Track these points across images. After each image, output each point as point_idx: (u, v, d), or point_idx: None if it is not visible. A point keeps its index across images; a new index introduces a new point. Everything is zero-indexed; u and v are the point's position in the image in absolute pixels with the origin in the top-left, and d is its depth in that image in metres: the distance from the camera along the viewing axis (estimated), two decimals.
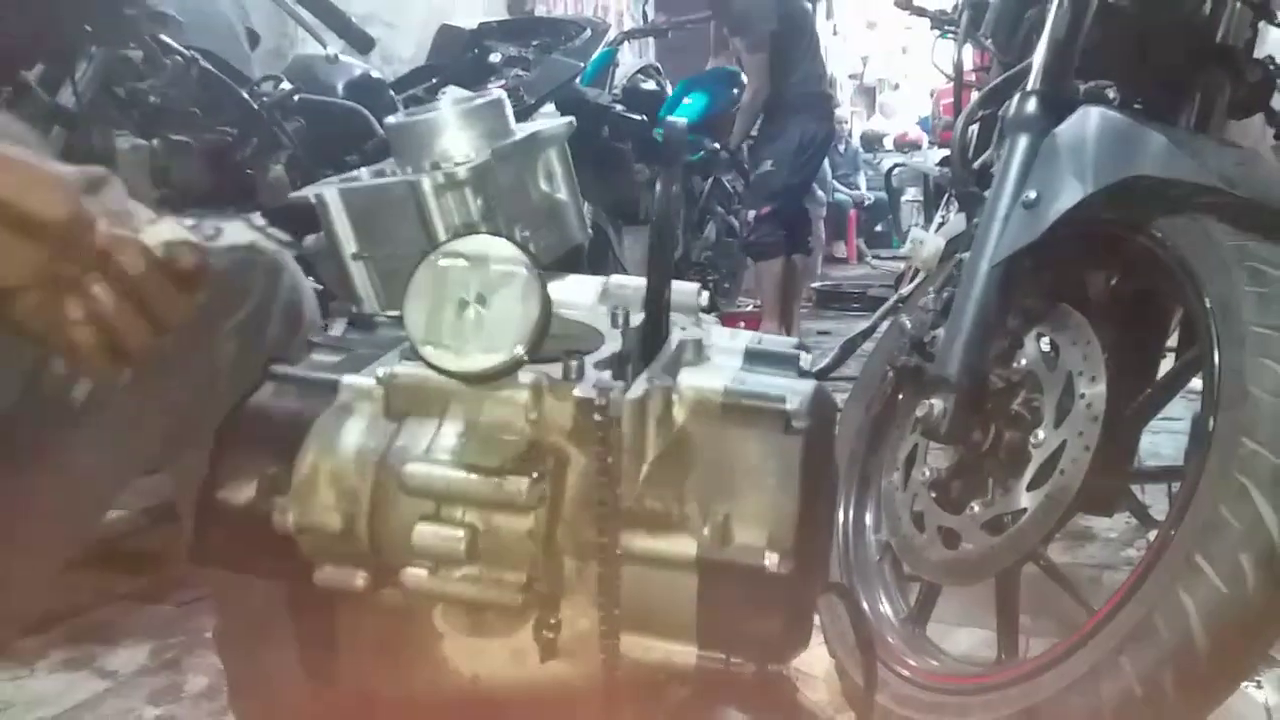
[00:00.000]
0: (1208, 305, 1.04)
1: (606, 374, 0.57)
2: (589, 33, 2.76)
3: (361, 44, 1.82)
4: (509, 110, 0.67)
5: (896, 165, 6.68)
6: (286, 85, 1.79)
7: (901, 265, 3.78)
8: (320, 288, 0.84)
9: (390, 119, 0.65)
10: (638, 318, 0.64)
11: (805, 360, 0.66)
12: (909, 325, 1.29)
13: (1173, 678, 0.92)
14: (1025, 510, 1.13)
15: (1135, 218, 1.15)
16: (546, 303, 0.53)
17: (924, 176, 4.31)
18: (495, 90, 0.67)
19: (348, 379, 0.61)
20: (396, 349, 0.63)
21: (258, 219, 0.63)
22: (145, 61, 1.47)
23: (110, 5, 1.38)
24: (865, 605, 1.29)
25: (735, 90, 4.12)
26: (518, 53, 2.62)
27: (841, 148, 8.79)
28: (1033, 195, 1.15)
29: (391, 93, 2.21)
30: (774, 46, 3.74)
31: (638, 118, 3.43)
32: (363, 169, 0.69)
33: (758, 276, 4.08)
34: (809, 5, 4.23)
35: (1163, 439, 1.97)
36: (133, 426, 0.79)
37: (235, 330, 0.80)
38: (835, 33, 10.74)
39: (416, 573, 0.57)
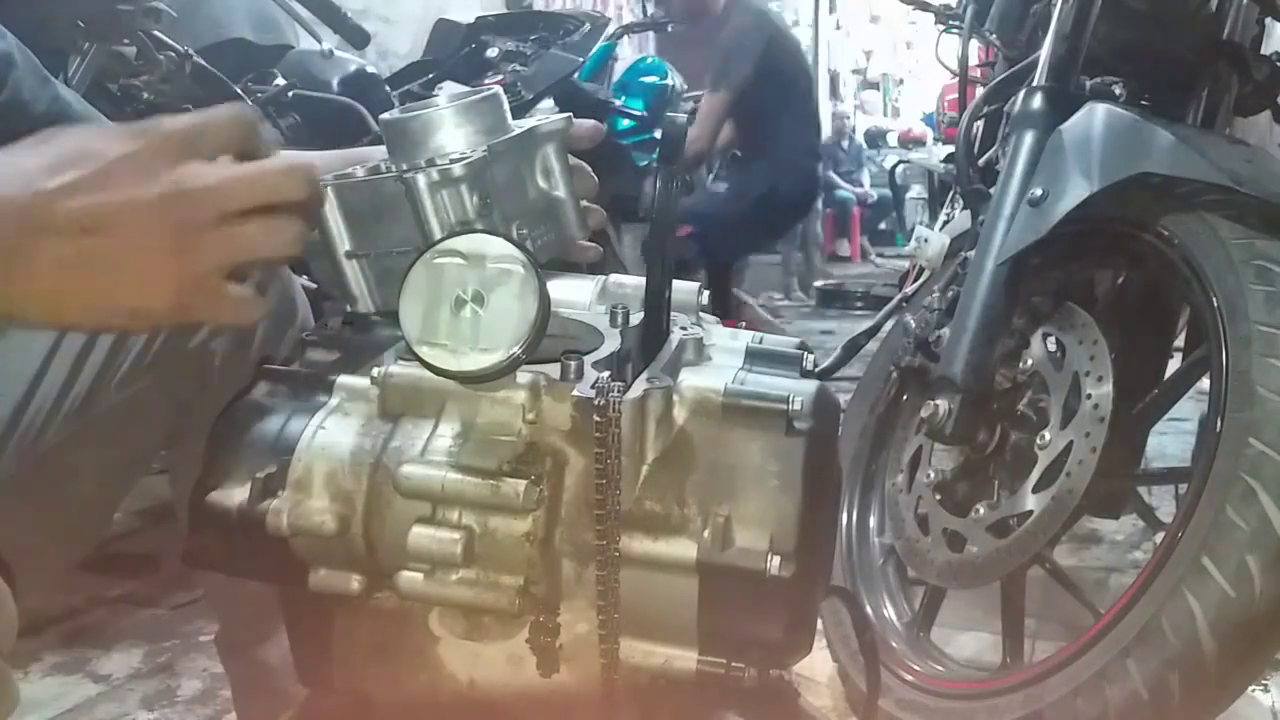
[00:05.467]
0: (1215, 304, 1.03)
1: (605, 374, 0.55)
2: (588, 27, 2.75)
3: (357, 39, 1.81)
4: (506, 106, 0.65)
5: (901, 162, 6.68)
6: (281, 81, 1.78)
7: (906, 263, 3.76)
8: (314, 286, 0.83)
9: (385, 115, 0.64)
10: (637, 317, 0.63)
11: (808, 360, 0.65)
12: (913, 324, 1.28)
13: (1179, 681, 0.91)
14: (1031, 512, 1.12)
15: (1142, 215, 1.14)
16: (544, 302, 0.52)
17: (929, 173, 4.30)
18: (492, 85, 0.66)
19: (342, 379, 0.60)
20: (392, 348, 0.62)
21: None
22: (139, 57, 1.46)
23: (103, 1, 1.37)
24: (869, 609, 1.28)
25: (666, 82, 4.05)
26: (515, 47, 2.61)
27: (845, 144, 8.80)
28: (1039, 192, 1.14)
29: (387, 88, 2.19)
30: (746, 99, 3.42)
31: (638, 113, 3.41)
32: (357, 165, 0.67)
33: None
34: (807, 64, 3.88)
35: (1170, 440, 1.96)
36: (133, 422, 0.78)
37: (226, 324, 0.80)
38: (838, 27, 10.73)
39: (412, 576, 0.56)
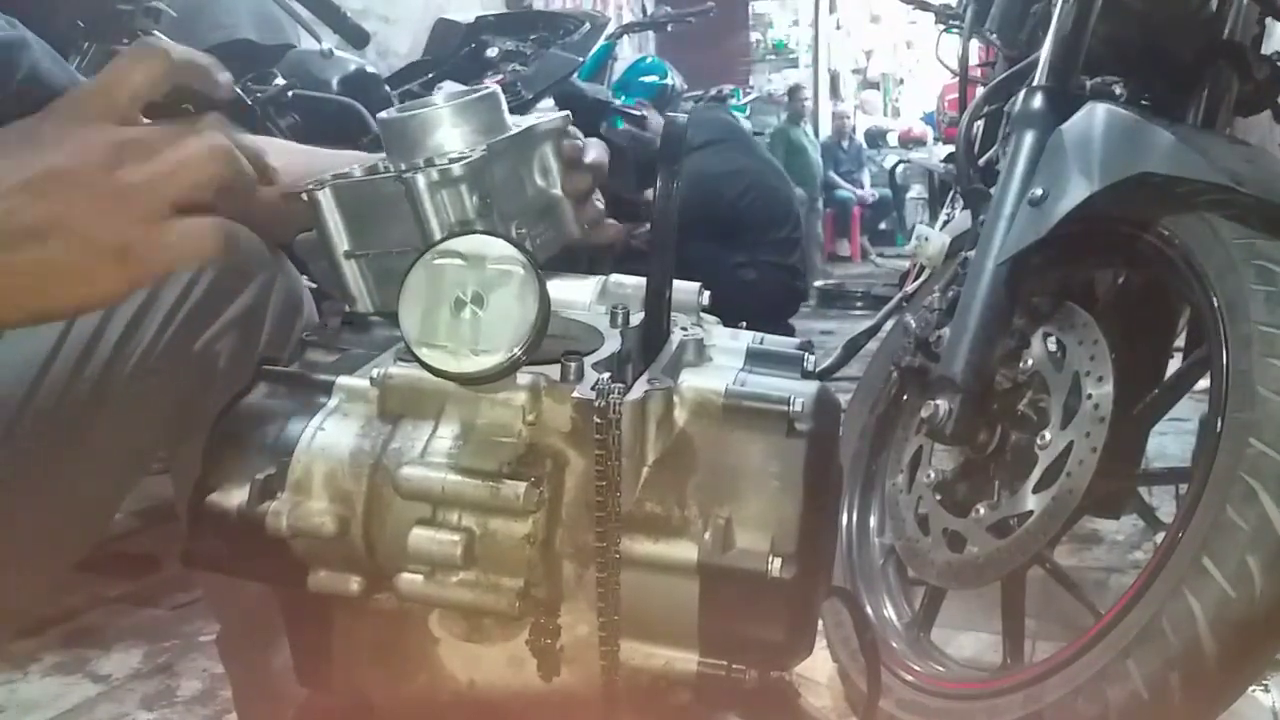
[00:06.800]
0: (1215, 304, 1.03)
1: (606, 375, 0.55)
2: (588, 26, 2.75)
3: (356, 38, 1.81)
4: (504, 105, 0.65)
5: (901, 162, 6.68)
6: (280, 80, 1.78)
7: (906, 263, 3.76)
8: (314, 286, 0.83)
9: (383, 114, 0.64)
10: (638, 317, 0.63)
11: (809, 361, 0.65)
12: (914, 324, 1.28)
13: (1180, 681, 0.91)
14: (1031, 512, 1.12)
15: (1142, 215, 1.14)
16: (545, 302, 0.52)
17: (929, 173, 4.30)
18: (490, 84, 0.65)
19: (342, 380, 0.60)
20: (392, 349, 0.62)
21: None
22: None
23: (103, 1, 1.37)
24: (869, 610, 1.28)
25: (666, 82, 4.02)
26: (515, 47, 2.61)
27: (845, 144, 8.81)
28: (1039, 192, 1.14)
29: (387, 88, 2.19)
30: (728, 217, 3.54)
31: (637, 113, 3.41)
32: (355, 165, 0.67)
33: None
34: (788, 196, 3.99)
35: (1170, 440, 1.96)
36: (136, 422, 0.78)
37: (232, 323, 0.80)
38: (838, 27, 10.73)
39: (412, 578, 0.55)
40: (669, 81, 4.21)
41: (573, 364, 0.56)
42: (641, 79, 4.13)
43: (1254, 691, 1.23)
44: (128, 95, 0.52)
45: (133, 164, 0.50)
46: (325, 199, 0.62)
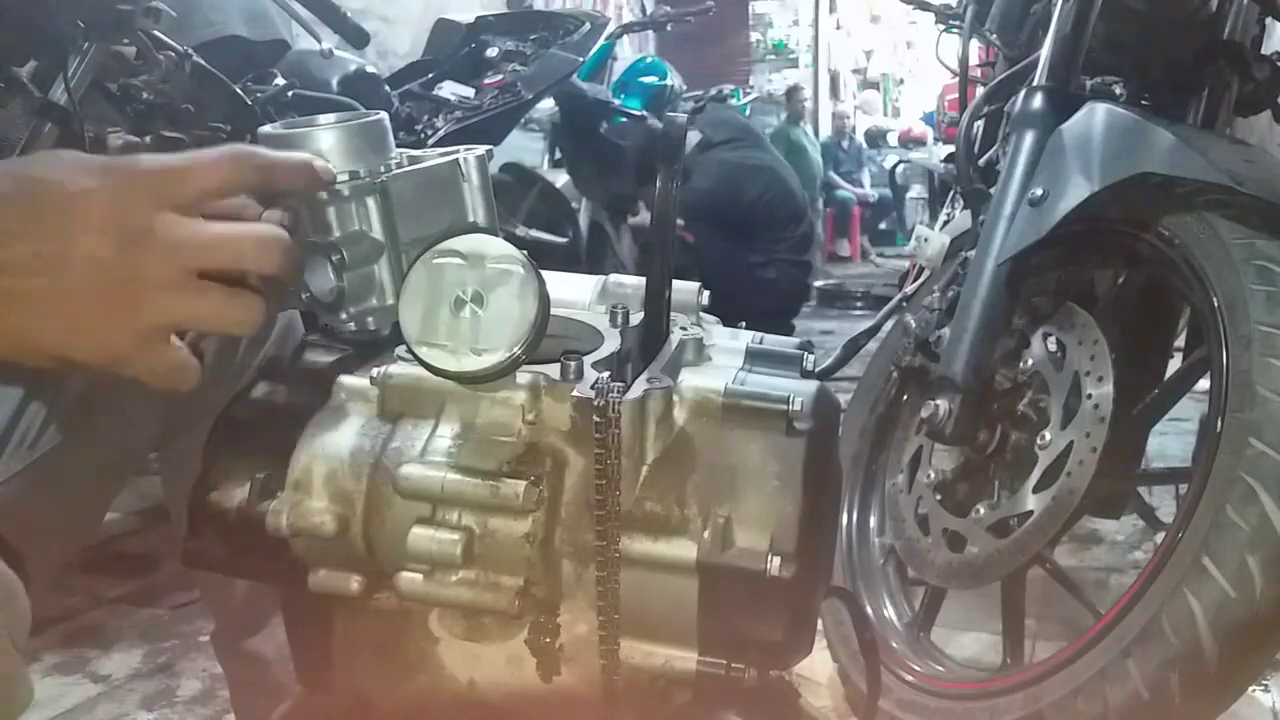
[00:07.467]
0: (1215, 304, 1.03)
1: (605, 374, 0.55)
2: (588, 26, 2.74)
3: (356, 38, 1.81)
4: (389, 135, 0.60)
5: (901, 162, 6.68)
6: (281, 81, 1.78)
7: (906, 263, 3.76)
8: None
9: (264, 129, 0.60)
10: (637, 317, 0.63)
11: (808, 360, 0.65)
12: (914, 324, 1.28)
13: (1180, 681, 0.91)
14: (1031, 513, 1.12)
15: (1142, 215, 1.14)
16: (544, 302, 0.52)
17: (929, 173, 4.30)
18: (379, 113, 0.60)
19: (342, 379, 0.60)
20: (392, 349, 0.62)
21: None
22: (138, 57, 1.46)
23: (103, 1, 1.37)
24: (869, 609, 1.28)
25: (665, 82, 4.06)
26: (515, 47, 2.61)
27: (845, 144, 8.81)
28: (1039, 192, 1.14)
29: (387, 88, 2.19)
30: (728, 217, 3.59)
31: (637, 113, 3.41)
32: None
33: None
34: (795, 196, 4.01)
35: (1170, 440, 1.96)
36: (122, 425, 0.78)
37: None
38: (839, 27, 10.73)
39: (412, 577, 0.56)
40: (668, 82, 4.22)
41: (572, 363, 0.56)
42: (641, 79, 4.14)
43: (1254, 691, 1.23)
44: (198, 193, 0.50)
45: (175, 224, 0.48)
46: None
